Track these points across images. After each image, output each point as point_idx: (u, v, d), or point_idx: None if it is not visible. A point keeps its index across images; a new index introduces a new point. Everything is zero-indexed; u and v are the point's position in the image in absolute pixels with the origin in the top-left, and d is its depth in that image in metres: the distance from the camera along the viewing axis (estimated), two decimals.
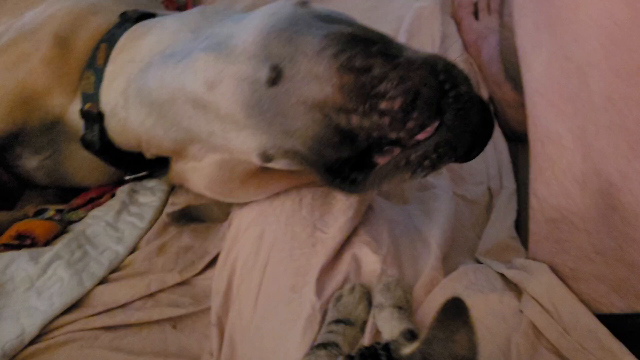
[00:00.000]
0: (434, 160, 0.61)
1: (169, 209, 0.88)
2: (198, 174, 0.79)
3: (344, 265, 0.74)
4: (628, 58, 0.59)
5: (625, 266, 0.65)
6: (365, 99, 0.61)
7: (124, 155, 0.86)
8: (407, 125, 0.59)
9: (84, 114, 0.83)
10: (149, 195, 0.89)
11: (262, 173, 0.78)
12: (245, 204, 0.81)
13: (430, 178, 0.92)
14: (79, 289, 0.76)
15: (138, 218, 0.86)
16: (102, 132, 0.83)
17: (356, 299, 0.70)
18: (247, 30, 0.71)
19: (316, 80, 0.64)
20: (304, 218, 0.77)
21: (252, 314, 0.73)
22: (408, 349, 0.48)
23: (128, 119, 0.81)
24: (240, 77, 0.68)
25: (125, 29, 0.84)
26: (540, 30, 0.67)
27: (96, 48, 0.83)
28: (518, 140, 1.07)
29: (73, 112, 0.85)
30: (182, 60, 0.74)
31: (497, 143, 1.03)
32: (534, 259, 0.76)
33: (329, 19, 0.71)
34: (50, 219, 0.84)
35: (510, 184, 0.97)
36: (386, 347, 0.50)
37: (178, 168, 0.82)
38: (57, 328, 0.74)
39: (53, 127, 0.86)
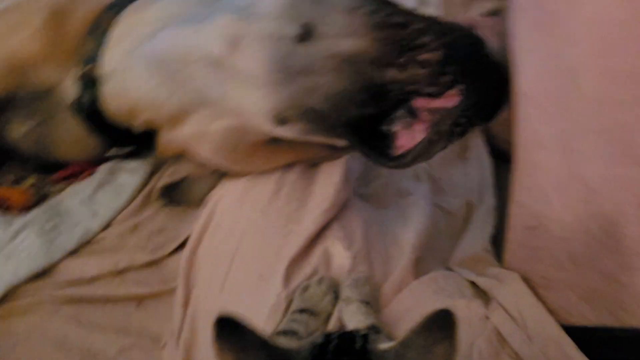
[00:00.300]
0: (465, 124, 0.63)
1: (166, 179, 0.87)
2: (205, 140, 0.78)
3: (314, 258, 0.74)
4: (622, 60, 0.59)
5: (599, 275, 0.65)
6: (405, 50, 0.62)
7: (111, 126, 0.86)
8: (442, 78, 0.62)
9: (82, 77, 0.82)
10: (129, 175, 0.89)
11: (269, 145, 0.77)
12: (224, 188, 0.81)
13: (410, 186, 0.92)
14: (46, 258, 0.76)
15: (115, 196, 0.86)
16: (96, 97, 0.82)
17: (323, 290, 0.69)
18: None
19: (352, 35, 0.65)
20: (280, 209, 0.77)
21: (217, 298, 0.73)
22: (385, 345, 0.48)
23: (128, 80, 0.79)
24: (265, 35, 0.68)
25: (132, 1, 0.85)
26: (537, 30, 0.67)
27: (100, 16, 0.84)
28: (503, 160, 1.07)
29: (68, 81, 0.84)
30: (199, 22, 0.74)
31: (482, 159, 1.03)
32: (509, 268, 0.76)
33: None
34: (28, 189, 0.84)
35: (490, 199, 0.96)
36: (365, 336, 0.49)
37: (175, 136, 0.80)
38: (21, 295, 0.74)
39: (46, 95, 0.86)
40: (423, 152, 0.65)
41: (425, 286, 0.75)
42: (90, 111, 0.83)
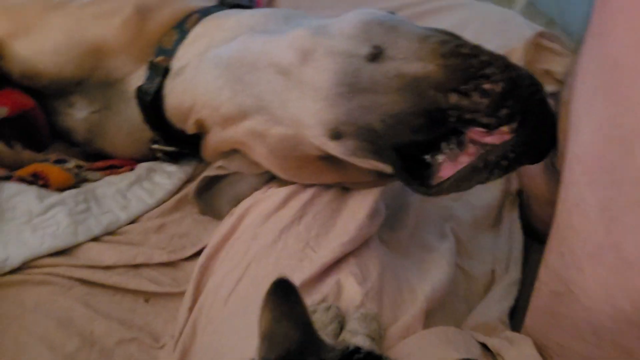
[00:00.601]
0: (512, 159, 0.64)
1: (211, 172, 0.89)
2: (261, 142, 0.80)
3: (325, 287, 0.74)
4: None
5: (619, 352, 0.63)
6: (470, 78, 0.64)
7: (164, 123, 0.89)
8: (500, 111, 0.63)
9: (153, 65, 0.87)
10: (165, 178, 0.92)
11: (318, 161, 0.79)
12: (254, 202, 0.83)
13: (435, 242, 0.91)
14: (71, 238, 0.78)
15: (148, 194, 0.88)
16: (160, 87, 0.86)
17: (329, 318, 0.68)
18: (345, 19, 0.75)
19: (420, 60, 0.67)
20: (299, 233, 0.78)
21: (222, 307, 0.73)
22: None
23: (195, 78, 0.83)
24: (337, 51, 0.71)
25: (221, 10, 0.91)
26: (598, 95, 0.68)
27: (187, 16, 0.89)
28: (534, 238, 1.06)
29: (135, 78, 0.89)
30: (274, 34, 0.79)
31: (513, 232, 1.02)
32: (528, 332, 0.74)
33: None
34: (68, 170, 0.87)
35: (516, 272, 0.94)
36: None
37: (228, 135, 0.83)
38: (38, 267, 0.76)
39: (113, 85, 0.91)
40: (465, 178, 0.65)
41: (433, 336, 0.73)
42: (152, 101, 0.86)
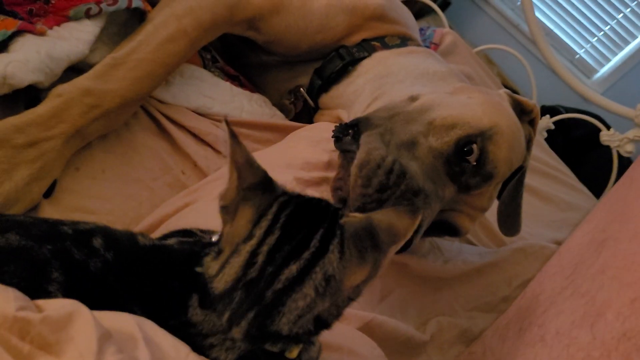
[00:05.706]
0: None
1: None
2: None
3: None
4: None
5: None
6: None
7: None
8: None
9: (366, 42, 0.96)
10: (267, 109, 1.00)
11: None
12: None
13: None
14: (168, 97, 0.87)
15: (249, 110, 0.95)
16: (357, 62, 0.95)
17: None
18: None
19: None
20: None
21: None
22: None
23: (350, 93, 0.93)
24: None
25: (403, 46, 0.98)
26: None
27: (410, 39, 1.00)
28: None
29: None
30: None
31: None
32: None
33: None
34: (202, 56, 0.96)
35: None
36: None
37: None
38: None
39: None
40: None
41: None
42: (347, 64, 0.95)
